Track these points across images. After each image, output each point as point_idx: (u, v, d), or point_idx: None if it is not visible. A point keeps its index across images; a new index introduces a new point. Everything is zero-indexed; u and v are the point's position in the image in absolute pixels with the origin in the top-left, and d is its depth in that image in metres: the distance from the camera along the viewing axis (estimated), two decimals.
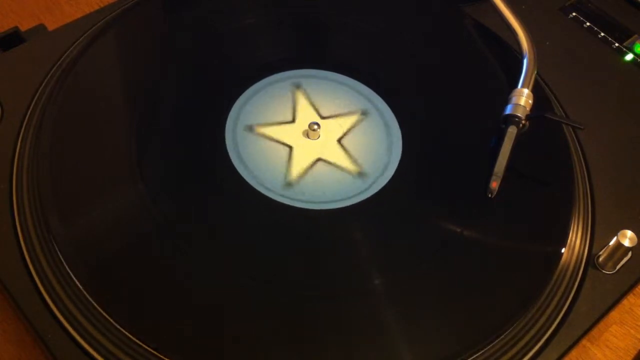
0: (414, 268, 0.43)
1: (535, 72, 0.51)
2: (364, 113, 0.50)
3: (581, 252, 0.45)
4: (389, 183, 0.47)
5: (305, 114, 0.50)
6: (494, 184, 0.45)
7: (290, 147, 0.48)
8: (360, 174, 0.47)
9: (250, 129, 0.48)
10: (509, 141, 0.47)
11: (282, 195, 0.45)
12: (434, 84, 0.54)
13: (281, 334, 0.39)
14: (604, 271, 0.44)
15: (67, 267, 0.40)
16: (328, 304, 0.41)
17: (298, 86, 0.51)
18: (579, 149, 0.51)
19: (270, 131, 0.48)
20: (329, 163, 0.48)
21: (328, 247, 0.43)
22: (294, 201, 0.45)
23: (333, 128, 0.49)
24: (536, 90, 0.50)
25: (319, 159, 0.48)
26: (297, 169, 0.47)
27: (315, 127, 0.48)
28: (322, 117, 0.50)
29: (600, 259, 0.44)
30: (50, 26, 0.54)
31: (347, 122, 0.50)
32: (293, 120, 0.49)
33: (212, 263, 0.41)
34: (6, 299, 0.42)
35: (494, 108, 0.50)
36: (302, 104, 0.50)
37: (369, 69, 0.53)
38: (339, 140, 0.49)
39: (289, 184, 0.46)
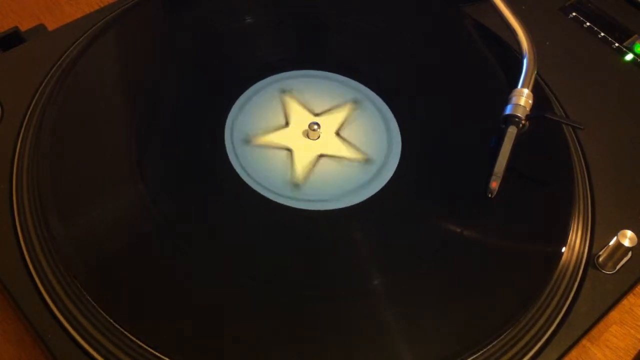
0: (414, 268, 0.43)
1: (535, 72, 0.51)
2: (356, 102, 0.50)
3: (581, 252, 0.45)
4: (388, 183, 0.47)
5: (298, 115, 0.50)
6: (494, 184, 0.45)
7: (290, 150, 0.48)
8: (367, 161, 0.47)
9: (247, 134, 0.48)
10: (509, 141, 0.47)
11: (287, 196, 0.45)
12: (433, 84, 0.53)
13: (281, 334, 0.39)
14: (604, 271, 0.44)
15: (67, 267, 0.40)
16: (328, 304, 0.41)
17: (284, 90, 0.51)
18: (579, 149, 0.51)
19: (267, 138, 0.48)
20: (333, 156, 0.48)
21: (328, 247, 0.43)
22: (299, 201, 0.45)
23: (329, 122, 0.50)
24: (536, 90, 0.50)
25: (321, 155, 0.48)
26: (301, 169, 0.47)
27: (316, 127, 0.48)
28: (316, 115, 0.50)
29: (600, 259, 0.44)
30: (50, 26, 0.54)
31: (341, 114, 0.50)
32: (287, 124, 0.49)
33: (212, 263, 0.41)
34: (6, 299, 0.42)
35: (494, 108, 0.50)
36: (293, 106, 0.50)
37: (369, 70, 0.53)
38: (337, 133, 0.49)
39: (296, 185, 0.46)
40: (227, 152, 0.47)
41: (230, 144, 0.47)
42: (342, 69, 0.52)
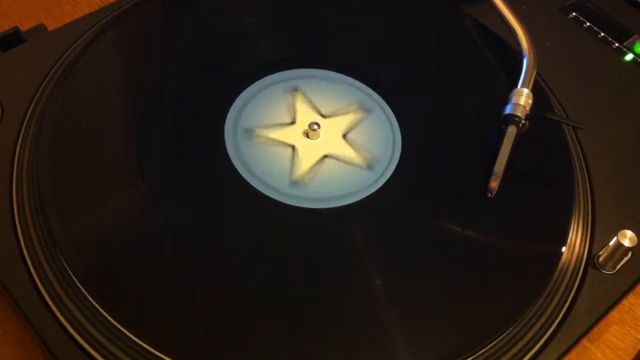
0: (414, 268, 0.43)
1: (535, 72, 0.51)
2: (365, 108, 0.51)
3: (581, 252, 0.45)
4: (389, 182, 0.47)
5: (305, 114, 0.50)
6: (494, 184, 0.45)
7: (293, 147, 0.48)
8: (370, 166, 0.47)
9: (249, 131, 0.48)
10: (509, 141, 0.47)
11: (287, 195, 0.45)
12: (434, 84, 0.54)
13: (281, 334, 0.39)
14: (604, 271, 0.44)
15: (67, 267, 0.40)
16: (328, 304, 0.41)
17: (295, 88, 0.51)
18: (579, 149, 0.51)
19: (271, 133, 0.48)
20: (337, 158, 0.48)
21: (328, 247, 0.43)
22: (299, 200, 0.45)
23: (336, 125, 0.50)
24: (536, 90, 0.50)
25: (325, 156, 0.48)
26: (303, 167, 0.47)
27: (315, 127, 0.48)
28: (323, 116, 0.50)
29: (600, 259, 0.44)
30: (50, 26, 0.54)
31: (349, 118, 0.50)
32: (293, 122, 0.49)
33: (212, 263, 0.41)
34: (6, 299, 0.42)
35: (494, 108, 0.50)
36: (301, 105, 0.50)
37: (368, 69, 0.53)
38: (344, 136, 0.49)
39: (294, 183, 0.46)
40: (228, 153, 0.47)
41: (231, 136, 0.47)
42: (352, 72, 0.52)
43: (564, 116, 0.52)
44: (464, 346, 0.39)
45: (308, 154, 0.48)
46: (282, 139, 0.48)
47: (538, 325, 0.41)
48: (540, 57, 0.52)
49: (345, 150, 0.48)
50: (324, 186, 0.46)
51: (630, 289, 0.44)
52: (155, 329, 0.38)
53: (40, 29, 0.53)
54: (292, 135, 0.49)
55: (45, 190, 0.43)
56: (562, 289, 0.43)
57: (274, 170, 0.46)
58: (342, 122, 0.50)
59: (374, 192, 0.46)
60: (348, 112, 0.50)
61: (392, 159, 0.48)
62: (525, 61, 0.52)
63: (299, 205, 0.45)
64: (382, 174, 0.47)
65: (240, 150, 0.47)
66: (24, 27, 0.53)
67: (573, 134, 0.51)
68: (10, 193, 0.44)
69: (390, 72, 0.54)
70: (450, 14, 0.59)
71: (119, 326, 0.38)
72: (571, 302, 0.43)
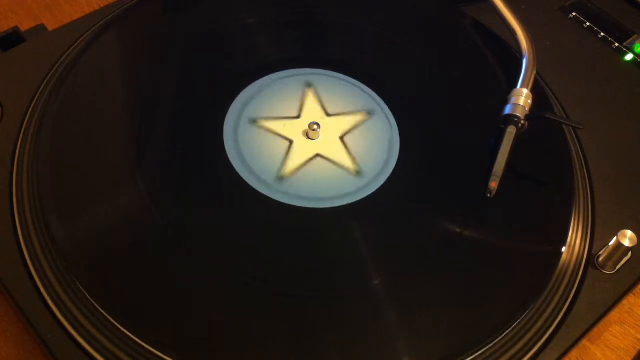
0: (414, 268, 0.43)
1: (535, 72, 0.51)
2: (370, 113, 0.50)
3: (581, 252, 0.45)
4: (389, 182, 0.47)
5: (312, 110, 0.50)
6: (493, 184, 0.45)
7: (291, 141, 0.48)
8: (358, 173, 0.47)
9: (253, 121, 0.48)
10: (508, 141, 0.47)
11: (277, 190, 0.45)
12: (433, 84, 0.54)
13: (281, 334, 0.39)
14: (604, 271, 0.44)
15: (67, 267, 0.40)
16: (328, 304, 0.41)
17: (309, 84, 0.51)
18: (579, 149, 0.51)
19: (273, 125, 0.49)
20: (327, 159, 0.48)
21: (328, 247, 0.43)
22: (290, 198, 0.45)
23: (337, 125, 0.50)
24: (536, 90, 0.50)
25: (317, 155, 0.48)
26: (293, 163, 0.47)
27: (315, 127, 0.48)
28: (328, 115, 0.50)
29: (600, 259, 0.44)
30: (50, 26, 0.54)
31: (352, 120, 0.50)
32: (298, 116, 0.49)
33: (212, 263, 0.41)
34: (6, 299, 0.42)
35: (494, 108, 0.50)
36: (310, 101, 0.50)
37: (369, 69, 0.53)
38: (342, 138, 0.49)
39: (281, 177, 0.46)
40: (226, 148, 0.47)
41: (230, 138, 0.47)
42: (363, 77, 0.53)
43: (564, 116, 0.52)
44: (464, 346, 0.39)
45: (302, 151, 0.48)
46: (282, 131, 0.48)
47: (538, 325, 0.41)
48: (540, 57, 0.52)
49: (338, 152, 0.48)
50: (309, 185, 0.46)
51: (630, 289, 0.44)
52: (155, 328, 0.38)
53: (40, 29, 0.53)
54: (293, 129, 0.49)
55: (45, 190, 0.43)
56: (562, 289, 0.43)
57: (266, 162, 0.46)
58: (344, 123, 0.50)
59: (373, 191, 0.46)
60: (352, 114, 0.50)
61: (385, 166, 0.47)
62: (524, 61, 0.52)
63: (295, 204, 0.44)
64: (369, 184, 0.46)
65: (239, 142, 0.47)
66: (24, 27, 0.53)
67: (573, 134, 0.51)
68: (10, 193, 0.44)
69: (391, 75, 0.53)
70: (450, 14, 0.59)
71: (119, 326, 0.38)
72: (571, 302, 0.43)
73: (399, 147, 0.49)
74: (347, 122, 0.50)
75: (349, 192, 0.46)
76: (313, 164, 0.47)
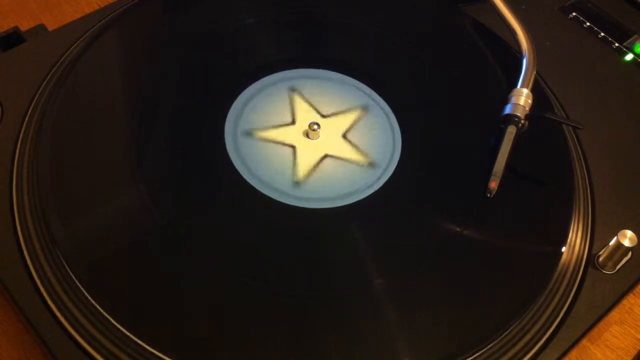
0: (414, 268, 0.43)
1: (535, 71, 0.51)
2: (365, 108, 0.50)
3: (581, 252, 0.45)
4: (389, 182, 0.47)
5: (305, 114, 0.50)
6: (493, 184, 0.45)
7: (294, 147, 0.48)
8: (371, 164, 0.47)
9: (250, 131, 0.48)
10: (508, 141, 0.47)
11: (288, 195, 0.45)
12: (433, 84, 0.54)
13: (281, 334, 0.39)
14: (604, 271, 0.44)
15: (67, 267, 0.40)
16: (328, 303, 0.41)
17: (294, 89, 0.51)
18: (579, 149, 0.51)
19: (272, 133, 0.49)
20: (337, 157, 0.48)
21: (327, 247, 0.43)
22: (298, 200, 0.45)
23: (336, 125, 0.50)
24: (536, 90, 0.50)
25: (326, 155, 0.48)
26: (304, 167, 0.47)
27: (315, 127, 0.48)
28: (323, 116, 0.50)
29: (600, 259, 0.44)
30: (50, 26, 0.54)
31: (349, 117, 0.50)
32: (293, 122, 0.49)
33: (212, 263, 0.41)
34: (6, 299, 0.42)
35: (494, 108, 0.50)
36: (301, 105, 0.50)
37: (367, 69, 0.53)
38: (344, 136, 0.49)
39: (297, 183, 0.46)
40: (227, 144, 0.47)
41: (231, 137, 0.47)
42: (351, 71, 0.52)
43: (564, 116, 0.52)
44: (464, 346, 0.39)
45: (308, 154, 0.48)
46: (282, 139, 0.48)
47: (538, 325, 0.41)
48: (540, 57, 0.52)
49: (346, 150, 0.48)
50: (325, 186, 0.46)
51: (630, 289, 0.44)
52: (155, 328, 0.38)
53: (40, 29, 0.53)
54: (292, 135, 0.49)
55: (45, 190, 0.43)
56: (562, 289, 0.43)
57: (275, 170, 0.46)
58: (342, 121, 0.50)
59: (375, 191, 0.46)
60: (347, 112, 0.50)
61: (392, 158, 0.48)
62: (525, 61, 0.52)
63: (299, 204, 0.45)
64: (383, 173, 0.47)
65: (240, 150, 0.47)
66: (24, 27, 0.53)
67: (573, 134, 0.51)
68: (10, 193, 0.44)
69: (390, 72, 0.54)
70: (450, 14, 0.59)
71: (119, 326, 0.38)
72: (571, 302, 0.43)
73: (400, 148, 0.49)
74: (345, 120, 0.50)
75: (366, 184, 0.46)
76: (324, 165, 0.47)
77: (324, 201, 0.45)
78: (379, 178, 0.47)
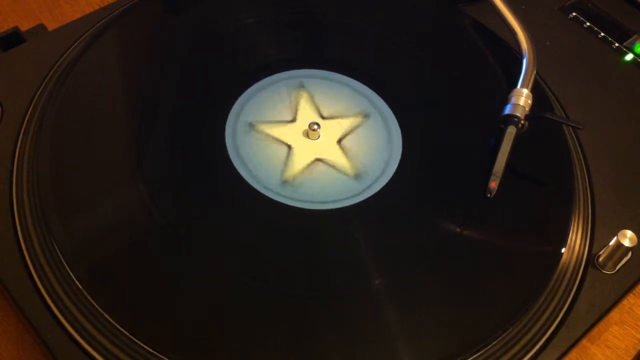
0: (414, 268, 0.43)
1: (535, 72, 0.51)
2: (366, 115, 0.50)
3: (581, 252, 0.45)
4: (389, 181, 0.46)
5: (306, 113, 0.50)
6: (493, 184, 0.45)
7: (289, 146, 0.48)
8: (357, 176, 0.47)
9: (250, 126, 0.48)
10: (508, 141, 0.47)
11: (279, 194, 0.45)
12: (433, 84, 0.54)
13: (281, 334, 0.39)
14: (604, 271, 0.44)
15: (67, 267, 0.40)
16: (328, 303, 0.41)
17: (301, 86, 0.51)
18: (579, 149, 0.51)
19: (271, 129, 0.49)
20: (327, 164, 0.48)
21: (328, 247, 0.43)
22: (292, 200, 0.45)
23: (333, 129, 0.49)
24: (536, 90, 0.50)
25: (317, 159, 0.48)
26: (295, 167, 0.47)
27: (315, 127, 0.48)
28: (323, 118, 0.50)
29: (600, 259, 0.44)
30: (50, 26, 0.54)
31: (348, 123, 0.50)
32: (294, 120, 0.49)
33: (212, 263, 0.41)
34: (6, 299, 0.42)
35: (494, 108, 0.50)
36: (304, 103, 0.50)
37: (369, 69, 0.53)
38: (339, 142, 0.49)
39: (285, 182, 0.46)
40: (227, 149, 0.47)
41: (231, 137, 0.47)
42: (351, 71, 0.52)
43: (564, 116, 0.52)
44: (464, 346, 0.39)
45: (302, 155, 0.48)
46: (280, 136, 0.48)
47: (538, 325, 0.41)
48: (540, 57, 0.52)
49: (337, 156, 0.48)
50: (312, 189, 0.46)
51: (630, 289, 0.44)
52: (155, 329, 0.38)
53: (40, 29, 0.53)
54: (290, 133, 0.49)
55: (45, 190, 0.43)
56: (562, 289, 0.43)
57: (268, 167, 0.46)
58: (340, 126, 0.50)
59: (375, 192, 0.46)
60: (347, 117, 0.50)
61: (385, 168, 0.47)
62: (524, 61, 0.52)
63: (297, 205, 0.44)
64: (368, 188, 0.46)
65: (239, 148, 0.47)
66: (24, 27, 0.53)
67: (573, 134, 0.51)
68: (10, 193, 0.44)
69: (390, 72, 0.54)
70: (450, 14, 0.59)
71: (118, 326, 0.38)
72: (571, 302, 0.43)
73: (400, 147, 0.49)
74: (344, 125, 0.50)
75: (349, 195, 0.46)
76: (314, 168, 0.47)
77: (308, 204, 0.45)
78: (362, 191, 0.46)
